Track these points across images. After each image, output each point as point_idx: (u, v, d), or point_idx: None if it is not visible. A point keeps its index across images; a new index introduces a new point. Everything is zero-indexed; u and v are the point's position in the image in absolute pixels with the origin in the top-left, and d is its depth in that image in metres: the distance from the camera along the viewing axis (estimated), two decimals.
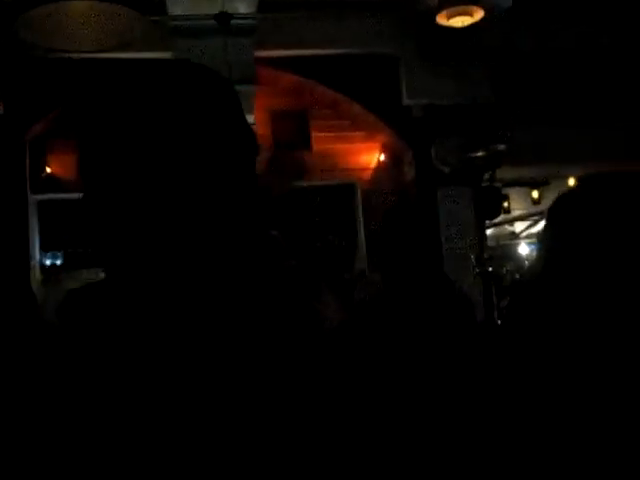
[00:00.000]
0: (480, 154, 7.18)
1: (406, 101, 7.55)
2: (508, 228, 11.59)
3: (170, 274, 0.95)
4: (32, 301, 3.55)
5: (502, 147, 7.01)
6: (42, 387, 1.00)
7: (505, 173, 8.15)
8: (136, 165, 0.95)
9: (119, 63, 6.22)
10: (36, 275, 7.49)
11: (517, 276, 8.80)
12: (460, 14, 6.10)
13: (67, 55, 6.34)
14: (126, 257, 0.99)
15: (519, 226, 11.73)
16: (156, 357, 0.94)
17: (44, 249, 7.70)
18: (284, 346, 1.01)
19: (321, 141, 8.07)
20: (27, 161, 7.43)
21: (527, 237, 11.61)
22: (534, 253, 10.87)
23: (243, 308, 1.00)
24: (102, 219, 0.99)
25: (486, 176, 8.00)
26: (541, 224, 10.67)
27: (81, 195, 1.05)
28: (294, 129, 8.13)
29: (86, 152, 1.03)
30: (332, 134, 8.07)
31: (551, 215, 2.02)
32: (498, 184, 8.31)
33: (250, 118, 7.64)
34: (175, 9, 6.78)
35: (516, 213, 10.83)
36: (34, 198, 7.65)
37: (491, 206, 8.09)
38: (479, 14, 6.11)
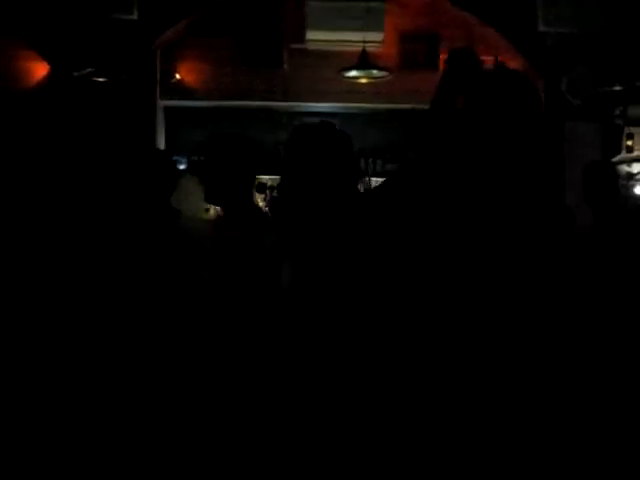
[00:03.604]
0: (616, 88, 6.92)
1: (542, 28, 7.27)
2: (626, 168, 11.22)
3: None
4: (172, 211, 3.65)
5: None
6: None
7: (632, 110, 7.88)
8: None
9: None
10: None
11: None
12: None
13: None
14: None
15: (637, 167, 11.33)
16: None
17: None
18: None
19: None
20: (157, 67, 7.54)
21: None
22: None
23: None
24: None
25: (617, 112, 7.75)
26: None
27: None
28: (423, 50, 7.99)
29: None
30: None
31: None
32: (620, 122, 8.06)
33: (379, 36, 7.57)
34: None
35: (636, 154, 10.44)
36: (162, 103, 7.78)
37: (612, 144, 7.86)
38: None
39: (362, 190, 2.40)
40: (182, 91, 7.66)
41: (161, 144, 7.76)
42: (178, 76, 7.61)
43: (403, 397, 2.02)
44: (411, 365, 2.01)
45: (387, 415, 2.05)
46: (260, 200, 8.33)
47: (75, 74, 6.69)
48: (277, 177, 8.16)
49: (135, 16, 6.93)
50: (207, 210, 8.27)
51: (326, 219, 2.25)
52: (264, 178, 8.20)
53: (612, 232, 4.37)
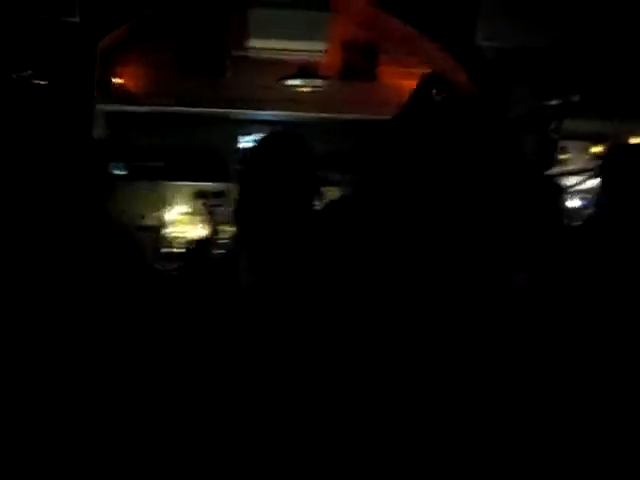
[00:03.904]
0: (552, 103, 7.08)
1: (481, 42, 7.39)
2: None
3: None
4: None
5: (576, 98, 6.90)
6: None
7: (567, 124, 8.04)
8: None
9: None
10: None
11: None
12: None
13: None
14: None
15: (571, 180, 11.57)
16: None
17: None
18: None
19: (389, 75, 8.00)
20: (98, 70, 7.43)
21: (575, 192, 11.47)
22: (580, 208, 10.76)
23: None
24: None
25: (552, 126, 7.91)
26: (592, 181, 10.52)
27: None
28: (363, 61, 8.06)
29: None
30: (400, 69, 7.98)
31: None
32: (555, 135, 8.23)
33: (321, 46, 7.61)
34: None
35: (570, 167, 10.68)
36: (101, 108, 7.68)
37: (545, 156, 8.02)
38: None
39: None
40: (123, 96, 7.58)
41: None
42: (119, 80, 7.53)
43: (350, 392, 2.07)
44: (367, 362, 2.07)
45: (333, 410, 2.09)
46: (198, 207, 8.28)
47: (14, 76, 6.57)
48: (218, 184, 8.17)
49: (77, 19, 6.82)
50: (143, 217, 8.22)
51: (286, 226, 2.28)
52: (203, 185, 8.17)
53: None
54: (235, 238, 2.63)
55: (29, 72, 6.56)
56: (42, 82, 6.63)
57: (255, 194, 2.36)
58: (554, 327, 2.58)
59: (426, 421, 2.05)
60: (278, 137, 2.46)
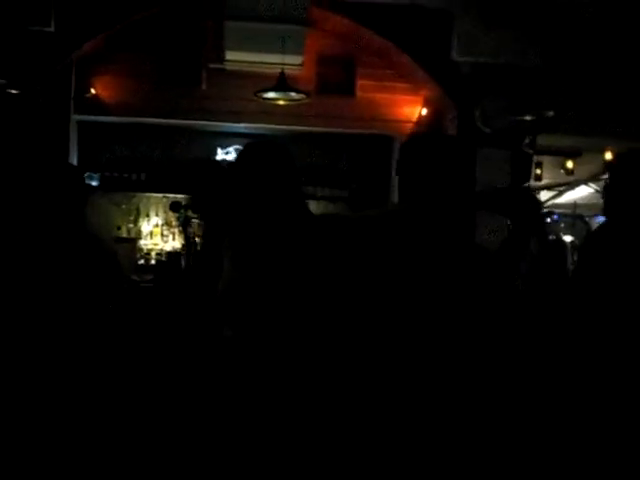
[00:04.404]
0: (527, 118, 7.12)
1: (456, 57, 7.44)
2: None
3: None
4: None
5: (550, 113, 6.95)
6: None
7: (541, 139, 8.09)
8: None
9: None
10: None
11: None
12: None
13: None
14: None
15: (545, 195, 11.65)
16: None
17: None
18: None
19: (365, 89, 8.01)
20: (73, 80, 7.41)
21: (550, 207, 11.55)
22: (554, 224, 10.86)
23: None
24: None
25: (526, 141, 7.96)
26: (566, 195, 10.60)
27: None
28: (339, 75, 8.06)
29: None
30: (377, 83, 8.01)
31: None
32: (530, 150, 8.28)
33: (298, 59, 7.60)
34: None
35: (544, 182, 10.75)
36: (76, 118, 7.65)
37: (521, 171, 8.06)
38: None
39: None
40: (97, 106, 7.53)
41: (74, 160, 7.61)
42: (94, 91, 7.48)
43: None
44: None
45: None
46: (174, 219, 8.24)
47: None
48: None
49: (52, 28, 6.80)
50: (119, 228, 8.20)
51: (269, 228, 2.34)
52: (179, 197, 8.12)
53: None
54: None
55: (2, 81, 6.52)
56: (15, 91, 6.59)
57: (241, 196, 2.43)
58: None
59: (426, 421, 2.06)
60: (261, 145, 2.50)
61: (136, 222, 8.27)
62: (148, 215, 8.33)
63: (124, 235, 8.09)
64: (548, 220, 10.46)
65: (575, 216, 10.46)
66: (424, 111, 8.07)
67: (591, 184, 9.91)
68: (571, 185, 10.14)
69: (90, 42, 7.14)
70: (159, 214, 8.36)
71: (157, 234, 8.30)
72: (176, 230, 8.28)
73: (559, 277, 5.81)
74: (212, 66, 7.71)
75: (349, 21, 7.57)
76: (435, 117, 8.06)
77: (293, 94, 7.49)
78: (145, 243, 8.25)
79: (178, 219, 8.17)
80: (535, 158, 8.62)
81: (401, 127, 8.12)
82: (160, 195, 8.30)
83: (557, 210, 11.24)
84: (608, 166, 8.70)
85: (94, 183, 7.79)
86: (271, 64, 7.41)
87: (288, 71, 7.41)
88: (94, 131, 8.05)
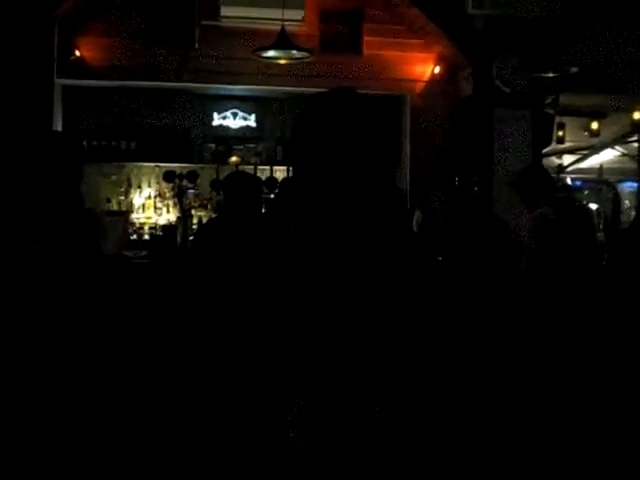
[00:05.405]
0: (548, 75, 6.59)
1: (470, 10, 6.90)
2: (556, 160, 10.99)
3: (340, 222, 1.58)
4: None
5: (574, 69, 6.40)
6: None
7: (564, 98, 7.65)
8: (327, 161, 1.58)
9: None
10: None
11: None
12: None
13: None
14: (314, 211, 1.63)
15: (568, 159, 11.14)
16: None
17: None
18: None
19: (372, 46, 7.55)
20: (55, 42, 6.95)
21: (573, 172, 11.08)
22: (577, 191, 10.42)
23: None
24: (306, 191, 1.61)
25: (548, 100, 7.47)
26: (591, 159, 10.11)
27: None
28: (345, 30, 7.62)
29: (299, 151, 1.62)
30: (385, 39, 7.53)
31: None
32: (551, 110, 7.81)
33: (299, 14, 7.13)
34: None
35: (567, 145, 10.25)
36: (60, 82, 7.20)
37: (542, 133, 7.62)
38: None
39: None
40: (82, 69, 7.09)
41: (58, 126, 7.17)
42: (78, 52, 7.04)
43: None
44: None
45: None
46: (168, 190, 7.82)
47: None
48: (187, 165, 7.70)
49: None
50: (108, 201, 7.77)
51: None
52: (172, 166, 7.69)
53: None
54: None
55: None
56: None
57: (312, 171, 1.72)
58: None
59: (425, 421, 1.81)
60: (332, 96, 1.80)
61: (127, 194, 7.82)
62: (140, 186, 7.88)
63: (114, 208, 7.64)
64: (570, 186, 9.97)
65: (601, 182, 9.96)
66: (437, 69, 7.64)
67: (618, 147, 9.38)
68: (596, 148, 9.62)
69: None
70: (152, 185, 7.91)
71: (150, 207, 7.86)
72: (170, 202, 7.85)
73: (587, 249, 5.50)
74: (206, 23, 7.28)
75: None
76: (449, 76, 7.65)
77: (295, 52, 6.96)
78: (137, 217, 7.81)
79: (172, 190, 7.79)
80: (557, 119, 8.21)
81: (412, 86, 7.70)
82: (152, 164, 7.85)
83: (581, 175, 10.78)
84: (637, 127, 8.20)
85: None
86: (270, 20, 6.98)
87: (289, 27, 6.90)
88: (79, 96, 7.60)
